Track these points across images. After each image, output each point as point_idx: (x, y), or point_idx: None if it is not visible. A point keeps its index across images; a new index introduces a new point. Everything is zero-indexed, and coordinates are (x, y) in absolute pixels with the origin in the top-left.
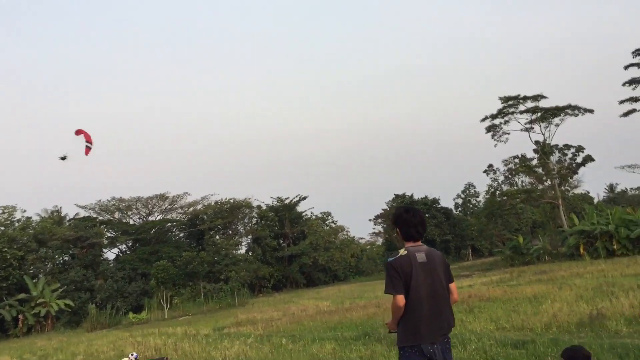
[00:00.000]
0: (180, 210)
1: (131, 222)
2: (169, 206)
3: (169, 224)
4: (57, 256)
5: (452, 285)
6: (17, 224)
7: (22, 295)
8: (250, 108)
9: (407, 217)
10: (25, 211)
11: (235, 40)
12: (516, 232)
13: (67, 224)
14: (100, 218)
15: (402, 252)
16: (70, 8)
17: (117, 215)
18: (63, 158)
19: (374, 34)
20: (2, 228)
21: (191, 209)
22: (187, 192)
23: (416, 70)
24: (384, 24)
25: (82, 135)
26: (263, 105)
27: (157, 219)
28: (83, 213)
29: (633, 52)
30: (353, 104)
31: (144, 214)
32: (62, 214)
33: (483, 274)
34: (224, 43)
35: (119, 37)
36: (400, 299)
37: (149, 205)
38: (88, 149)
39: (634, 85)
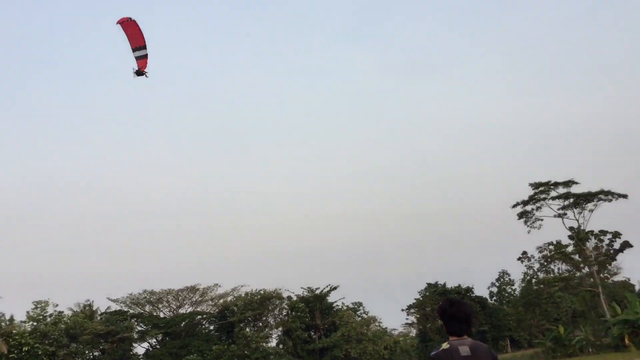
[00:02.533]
0: (210, 302)
1: (162, 315)
2: (200, 298)
3: (199, 317)
4: (87, 351)
5: None
6: (49, 319)
7: None
8: (279, 193)
9: (451, 311)
10: (57, 305)
11: (260, 126)
12: (556, 322)
13: (99, 317)
14: (131, 311)
15: (445, 345)
16: None
17: (147, 308)
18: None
19: (400, 121)
20: (35, 323)
21: (221, 300)
22: (217, 284)
23: (444, 156)
24: (409, 114)
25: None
26: (294, 190)
27: (187, 311)
28: (114, 306)
29: None
30: (383, 188)
31: (175, 307)
32: (94, 308)
33: None
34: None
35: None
36: None
37: (180, 298)
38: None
39: None
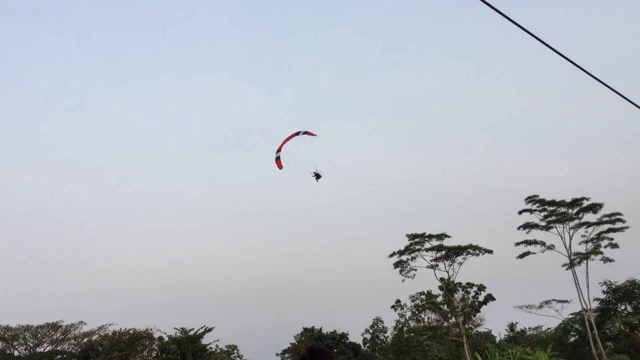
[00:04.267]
0: (73, 341)
1: (16, 353)
2: (61, 336)
3: (59, 357)
4: None
5: None
6: None
7: None
8: (158, 230)
9: (312, 359)
10: None
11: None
12: None
13: None
14: None
15: None
16: None
17: (0, 345)
18: (318, 176)
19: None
20: None
21: (86, 339)
22: (82, 321)
23: (325, 204)
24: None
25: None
26: (174, 227)
27: (45, 350)
28: None
29: (526, 199)
30: (260, 229)
31: (32, 345)
32: None
33: None
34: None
35: None
36: None
37: (39, 335)
38: (309, 133)
39: (527, 229)
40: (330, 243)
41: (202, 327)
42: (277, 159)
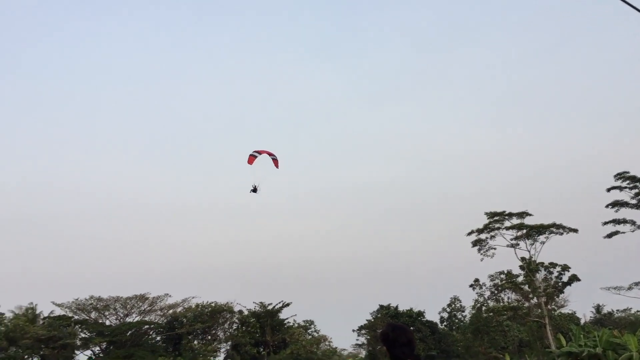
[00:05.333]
0: (159, 312)
1: (107, 322)
2: (148, 307)
3: (147, 327)
4: (26, 356)
5: None
6: None
7: None
8: (237, 206)
9: (393, 336)
10: None
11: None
12: (503, 351)
13: (41, 322)
14: (76, 317)
15: None
16: None
17: (93, 315)
18: (254, 190)
19: (364, 142)
20: None
21: (171, 311)
22: (167, 294)
23: (406, 179)
24: (373, 135)
25: (262, 155)
26: (252, 204)
27: (134, 320)
28: (58, 311)
29: (615, 176)
30: (341, 208)
31: (122, 315)
32: (37, 312)
33: None
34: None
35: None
36: None
37: (128, 306)
38: (276, 161)
39: (616, 208)
40: (406, 222)
41: (280, 302)
42: (251, 155)
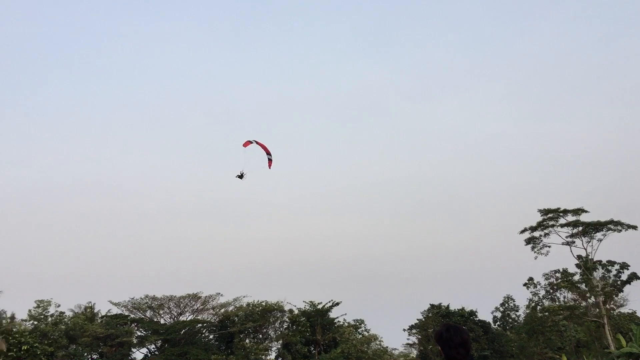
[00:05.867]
0: (211, 311)
1: (162, 321)
2: (201, 306)
3: (200, 325)
4: (85, 354)
5: None
6: (50, 319)
7: None
8: (285, 205)
9: (447, 336)
10: (59, 306)
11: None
12: (559, 351)
13: (99, 320)
14: (132, 316)
15: None
16: None
17: (148, 313)
18: (240, 176)
19: (409, 139)
20: (35, 323)
21: (222, 310)
22: (219, 293)
23: (453, 175)
24: (419, 132)
25: (253, 147)
26: (300, 202)
27: (188, 319)
28: (115, 310)
29: None
30: (390, 205)
31: (176, 314)
32: (95, 310)
33: None
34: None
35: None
36: None
37: (181, 305)
38: (270, 162)
39: None
40: (459, 217)
41: (329, 301)
42: (248, 141)
